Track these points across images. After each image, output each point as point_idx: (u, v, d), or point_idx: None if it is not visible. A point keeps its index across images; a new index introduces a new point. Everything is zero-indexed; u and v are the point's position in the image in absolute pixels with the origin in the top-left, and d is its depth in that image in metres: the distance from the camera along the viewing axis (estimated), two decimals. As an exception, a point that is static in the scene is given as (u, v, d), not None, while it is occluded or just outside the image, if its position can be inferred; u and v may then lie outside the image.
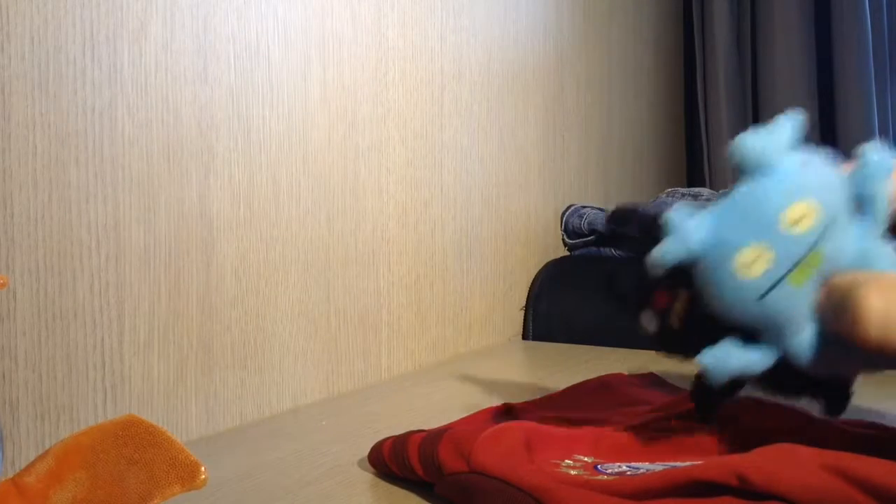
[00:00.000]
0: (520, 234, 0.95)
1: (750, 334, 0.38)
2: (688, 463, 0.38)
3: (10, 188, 0.45)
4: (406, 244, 0.75)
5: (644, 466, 0.40)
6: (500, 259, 0.91)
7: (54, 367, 0.47)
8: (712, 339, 0.38)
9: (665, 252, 0.37)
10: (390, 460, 0.45)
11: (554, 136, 1.03)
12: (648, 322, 0.43)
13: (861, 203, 0.38)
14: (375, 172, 0.71)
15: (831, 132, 1.35)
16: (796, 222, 0.36)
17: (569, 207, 1.04)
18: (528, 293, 0.96)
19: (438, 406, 0.62)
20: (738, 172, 0.37)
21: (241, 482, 0.46)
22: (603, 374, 0.63)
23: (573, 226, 1.03)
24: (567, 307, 0.94)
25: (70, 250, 0.48)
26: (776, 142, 0.37)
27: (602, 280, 0.46)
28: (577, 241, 1.03)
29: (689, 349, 0.39)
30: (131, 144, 0.51)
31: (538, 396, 0.57)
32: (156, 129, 0.52)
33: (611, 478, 0.39)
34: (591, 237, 1.02)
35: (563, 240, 1.04)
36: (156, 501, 0.31)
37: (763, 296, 0.36)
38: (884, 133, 1.33)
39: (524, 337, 0.95)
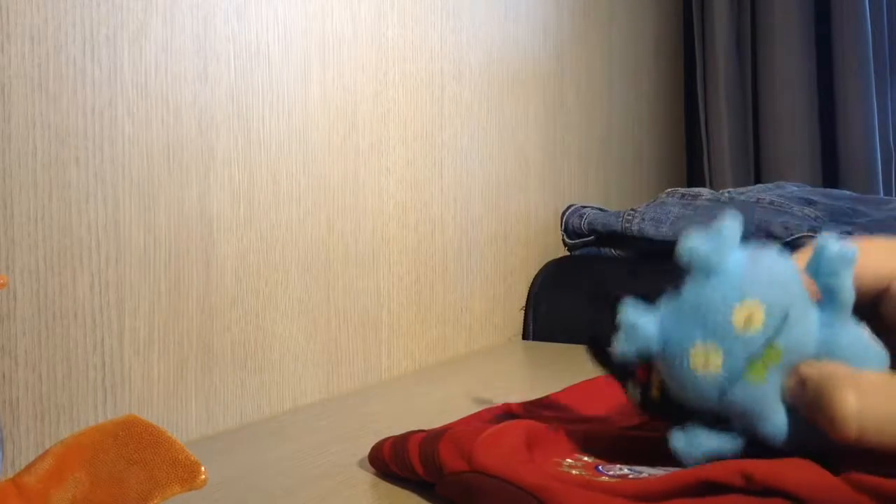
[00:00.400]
0: (520, 234, 0.95)
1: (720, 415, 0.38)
2: (688, 468, 0.38)
3: (10, 188, 0.45)
4: (406, 244, 0.76)
5: (646, 470, 0.40)
6: (500, 259, 0.91)
7: (54, 367, 0.47)
8: (690, 412, 0.39)
9: (620, 350, 0.39)
10: (390, 460, 0.45)
11: (554, 136, 1.03)
12: (632, 390, 0.43)
13: (823, 293, 0.37)
14: (375, 172, 0.71)
15: (831, 132, 1.35)
16: (745, 322, 0.36)
17: (569, 207, 1.04)
18: (528, 293, 0.96)
19: (438, 406, 0.62)
20: (686, 272, 0.38)
21: (241, 482, 0.46)
22: (601, 373, 0.62)
23: (573, 226, 1.03)
24: (567, 307, 0.94)
25: (70, 250, 0.48)
26: (721, 243, 0.37)
27: (587, 344, 0.46)
28: (577, 241, 1.03)
29: (671, 418, 0.40)
30: (131, 144, 0.51)
31: (538, 396, 0.57)
32: (156, 129, 0.52)
33: (612, 479, 0.39)
34: (591, 237, 1.02)
35: (563, 240, 1.04)
36: (156, 501, 0.31)
37: (723, 392, 0.36)
38: (884, 133, 1.33)
39: (524, 337, 0.95)
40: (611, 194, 1.21)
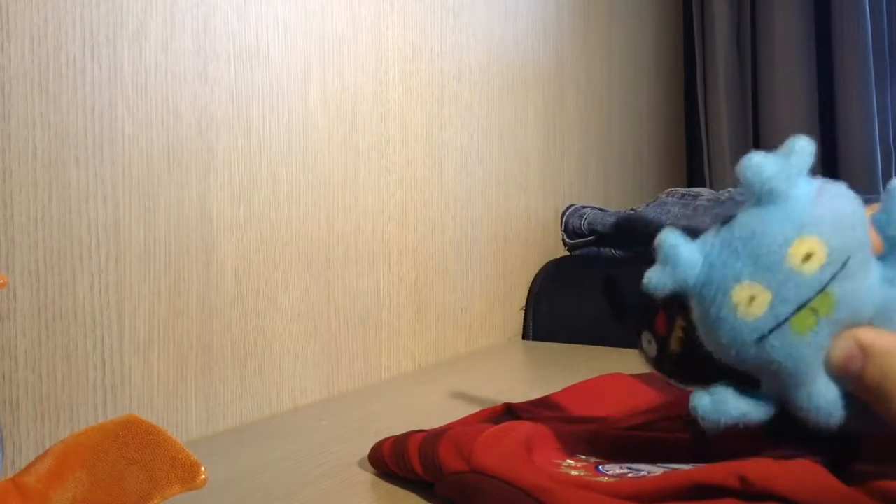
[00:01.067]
0: (520, 234, 0.95)
1: (750, 378, 0.34)
2: (688, 465, 0.38)
3: (10, 188, 0.45)
4: (406, 244, 0.76)
5: (645, 468, 0.40)
6: (500, 259, 0.91)
7: (54, 367, 0.47)
8: (714, 371, 0.34)
9: (654, 282, 0.33)
10: (390, 460, 0.46)
11: (554, 136, 1.03)
12: (648, 344, 0.39)
13: (888, 245, 0.33)
14: (375, 172, 0.71)
15: (831, 132, 1.35)
16: (803, 260, 0.31)
17: (569, 207, 1.04)
18: (528, 293, 0.96)
19: (438, 406, 0.62)
20: (742, 191, 0.33)
21: (241, 482, 0.46)
22: (603, 374, 0.63)
23: (573, 226, 1.03)
24: (567, 307, 0.94)
25: (70, 250, 0.48)
26: (789, 167, 0.32)
27: (601, 285, 0.43)
28: (577, 241, 1.03)
29: (690, 378, 0.36)
30: (131, 144, 0.51)
31: (538, 396, 0.57)
32: (156, 129, 0.52)
33: (612, 479, 0.39)
34: (591, 237, 1.02)
35: (563, 240, 1.04)
36: (156, 501, 0.31)
37: (762, 338, 0.32)
38: (884, 133, 1.33)
39: (524, 337, 0.95)
40: (611, 194, 1.21)
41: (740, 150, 1.39)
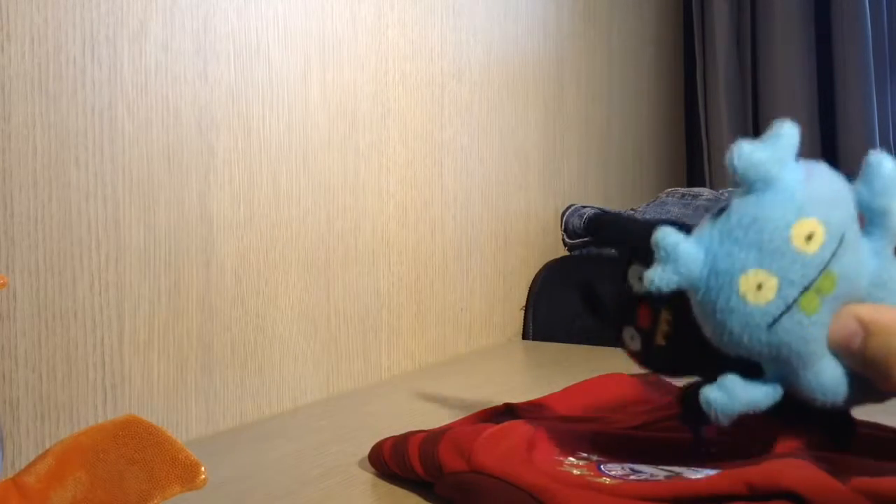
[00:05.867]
0: (520, 234, 0.95)
1: (749, 366, 0.34)
2: (690, 469, 0.38)
3: (10, 188, 0.45)
4: (406, 244, 0.75)
5: (647, 470, 0.40)
6: (500, 259, 0.91)
7: (54, 367, 0.47)
8: (703, 360, 0.35)
9: (658, 281, 0.33)
10: (390, 460, 0.46)
11: (554, 136, 1.03)
12: (630, 339, 0.39)
13: (870, 217, 0.34)
14: (375, 172, 0.71)
15: (831, 132, 1.35)
16: (805, 241, 0.32)
17: (569, 207, 1.04)
18: (528, 293, 0.96)
19: (438, 406, 0.62)
20: (736, 185, 0.33)
21: (241, 482, 0.46)
22: (603, 374, 0.63)
23: (573, 226, 1.03)
24: (567, 307, 0.94)
25: (70, 250, 0.48)
26: (778, 152, 0.32)
27: (579, 288, 0.42)
28: (577, 241, 1.03)
29: (677, 369, 0.36)
30: (131, 144, 0.51)
31: (538, 396, 0.57)
32: (156, 129, 0.52)
33: (614, 481, 0.39)
34: (591, 237, 1.02)
35: (563, 240, 1.04)
36: (156, 501, 0.31)
37: (773, 323, 0.32)
38: (884, 133, 1.33)
39: (524, 337, 0.95)
40: (611, 194, 1.21)
41: (740, 150, 1.39)
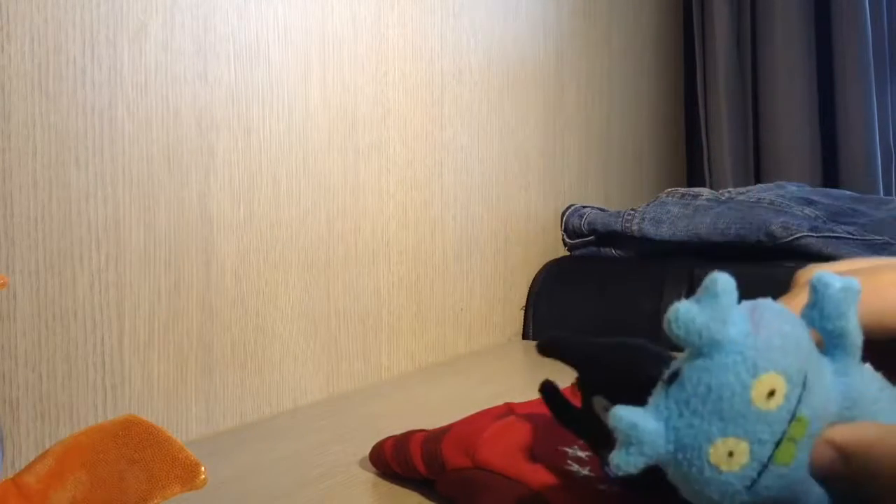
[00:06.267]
0: (520, 234, 0.95)
1: None
2: None
3: (10, 188, 0.45)
4: (406, 244, 0.75)
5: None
6: (500, 259, 0.91)
7: (54, 367, 0.47)
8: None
9: (624, 465, 0.31)
10: (392, 459, 0.45)
11: (554, 136, 1.03)
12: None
13: (828, 340, 0.33)
14: (375, 172, 0.71)
15: (831, 132, 1.35)
16: (767, 398, 0.30)
17: (569, 207, 1.04)
18: (528, 293, 0.96)
19: (438, 406, 0.62)
20: (682, 350, 0.32)
21: (241, 482, 0.46)
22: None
23: (573, 226, 1.03)
24: (567, 307, 0.94)
25: (70, 250, 0.48)
26: (717, 312, 0.31)
27: (542, 393, 0.42)
28: (577, 241, 1.03)
29: (670, 493, 0.34)
30: (131, 144, 0.51)
31: (538, 396, 0.57)
32: (156, 129, 0.52)
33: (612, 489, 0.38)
34: (591, 237, 1.02)
35: (563, 240, 1.04)
36: (156, 501, 0.31)
37: (753, 485, 0.31)
38: (884, 133, 1.33)
39: (524, 337, 0.95)
40: (611, 194, 1.21)
41: (740, 150, 1.39)
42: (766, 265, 0.86)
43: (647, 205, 1.00)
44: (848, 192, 1.04)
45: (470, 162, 0.85)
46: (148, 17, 0.52)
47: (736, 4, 1.40)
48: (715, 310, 0.30)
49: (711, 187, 1.36)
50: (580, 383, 0.38)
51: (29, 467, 0.32)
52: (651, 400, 0.32)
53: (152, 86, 0.52)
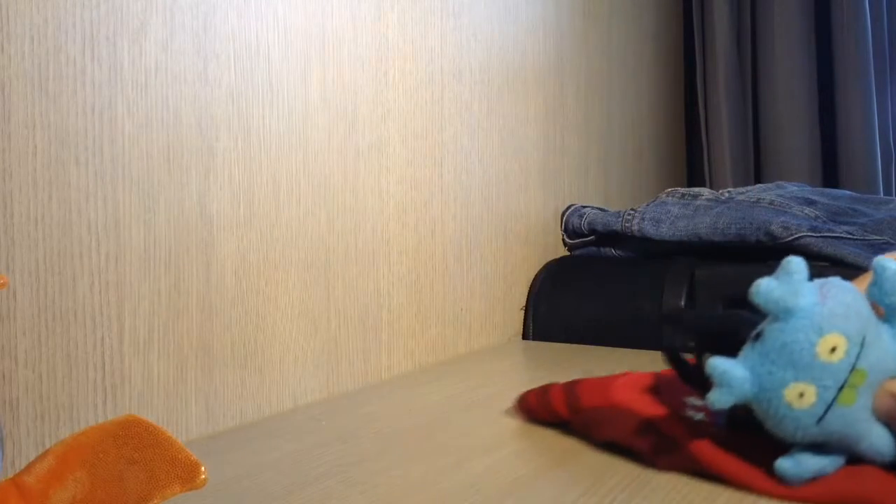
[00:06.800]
0: (520, 234, 0.95)
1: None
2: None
3: (10, 188, 0.45)
4: (406, 244, 0.76)
5: None
6: (500, 259, 0.91)
7: (54, 367, 0.47)
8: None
9: (718, 402, 0.41)
10: (536, 406, 0.56)
11: (554, 136, 1.03)
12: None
13: (887, 310, 0.42)
14: (375, 172, 0.71)
15: (831, 132, 1.35)
16: (829, 353, 0.40)
17: (569, 207, 1.04)
18: (528, 293, 0.96)
19: (438, 406, 0.62)
20: (764, 316, 0.42)
21: (241, 482, 0.46)
22: (603, 374, 0.63)
23: (573, 226, 1.03)
24: (567, 307, 0.94)
25: (70, 250, 0.48)
26: (791, 286, 0.41)
27: (666, 356, 0.50)
28: (577, 241, 1.03)
29: (761, 434, 0.43)
30: (131, 144, 0.51)
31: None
32: (156, 129, 0.52)
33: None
34: (591, 237, 1.02)
35: (563, 240, 1.04)
36: (156, 501, 0.31)
37: (820, 420, 0.40)
38: (884, 133, 1.33)
39: (524, 337, 0.95)
40: (611, 194, 1.21)
41: (740, 150, 1.40)
42: (766, 265, 0.86)
43: (647, 205, 1.00)
44: (848, 192, 1.04)
45: (470, 162, 0.85)
46: (148, 17, 0.52)
47: (736, 4, 1.40)
48: (789, 284, 0.41)
49: (711, 187, 1.36)
50: (696, 345, 0.48)
51: (29, 467, 0.32)
52: (741, 354, 0.41)
53: (152, 86, 0.52)
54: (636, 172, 1.32)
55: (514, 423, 0.57)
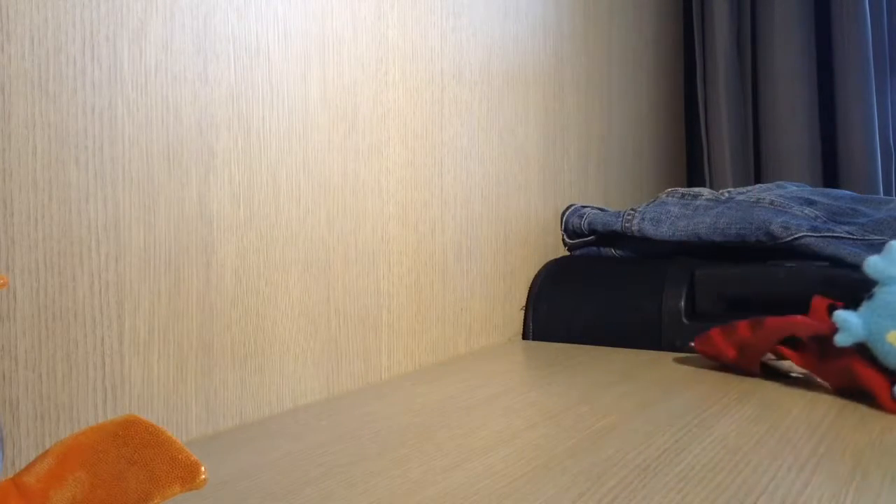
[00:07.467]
0: (520, 234, 0.95)
1: None
2: None
3: (10, 188, 0.45)
4: (406, 244, 0.76)
5: None
6: (500, 259, 0.91)
7: (54, 367, 0.47)
8: None
9: (841, 340, 0.60)
10: (718, 339, 0.71)
11: (554, 136, 1.03)
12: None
13: None
14: (375, 172, 0.71)
15: (831, 132, 1.35)
16: None
17: (569, 207, 1.04)
18: (528, 293, 0.96)
19: (438, 406, 0.62)
20: (873, 282, 0.60)
21: (241, 482, 0.46)
22: (602, 374, 0.63)
23: (573, 226, 1.03)
24: (567, 307, 0.94)
25: (70, 250, 0.48)
26: (894, 258, 0.59)
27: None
28: (577, 241, 1.03)
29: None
30: (131, 144, 0.51)
31: (538, 397, 0.57)
32: (156, 129, 0.52)
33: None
34: (591, 237, 1.02)
35: (563, 240, 1.04)
36: (156, 501, 0.31)
37: None
38: (884, 133, 1.33)
39: (524, 337, 0.95)
40: (611, 194, 1.21)
41: (740, 150, 1.40)
42: (765, 265, 0.86)
43: (647, 205, 1.00)
44: (848, 193, 1.04)
45: (470, 162, 0.85)
46: (148, 17, 0.52)
47: (736, 5, 1.40)
48: (892, 259, 0.59)
49: (711, 187, 1.36)
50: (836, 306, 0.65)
51: (29, 467, 0.32)
52: (859, 309, 0.60)
53: (152, 86, 0.52)
54: (636, 172, 1.32)
55: (514, 424, 0.57)
